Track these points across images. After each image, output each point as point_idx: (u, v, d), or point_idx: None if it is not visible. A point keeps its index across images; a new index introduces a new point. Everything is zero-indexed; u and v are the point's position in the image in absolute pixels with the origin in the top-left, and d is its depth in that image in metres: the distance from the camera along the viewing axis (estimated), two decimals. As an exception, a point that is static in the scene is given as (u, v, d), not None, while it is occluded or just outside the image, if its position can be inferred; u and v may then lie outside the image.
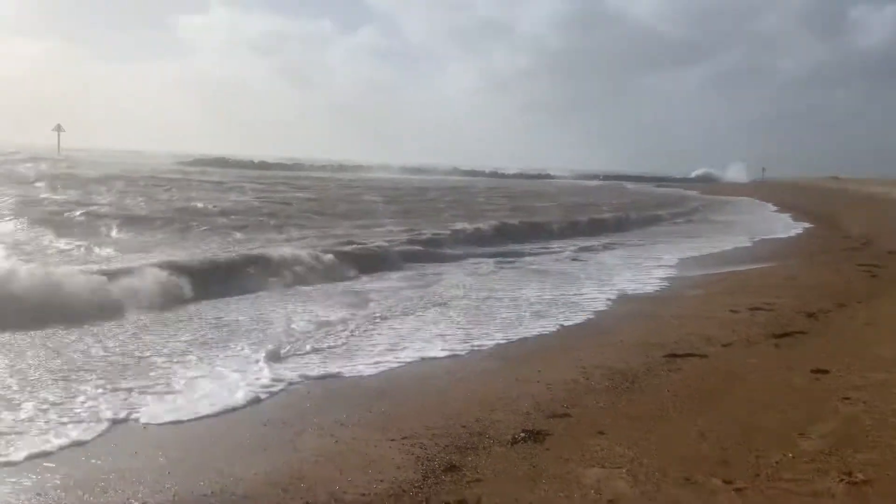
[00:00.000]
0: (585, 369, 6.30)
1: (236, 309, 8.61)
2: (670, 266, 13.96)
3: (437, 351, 7.02)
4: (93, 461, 4.21)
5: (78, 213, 16.14)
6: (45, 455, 4.22)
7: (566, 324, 8.41)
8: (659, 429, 4.69)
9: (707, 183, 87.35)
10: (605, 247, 17.43)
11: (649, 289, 11.16)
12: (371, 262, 12.33)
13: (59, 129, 56.30)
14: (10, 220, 14.95)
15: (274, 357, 6.43)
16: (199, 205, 19.84)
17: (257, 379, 5.82)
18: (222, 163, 60.12)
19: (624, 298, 10.27)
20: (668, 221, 27.52)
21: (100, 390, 5.33)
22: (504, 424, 4.88)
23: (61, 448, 4.32)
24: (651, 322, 8.60)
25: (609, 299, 10.10)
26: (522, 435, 4.62)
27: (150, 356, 6.37)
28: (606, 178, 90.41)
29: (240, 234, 15.40)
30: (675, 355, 6.75)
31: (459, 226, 18.12)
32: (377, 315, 8.50)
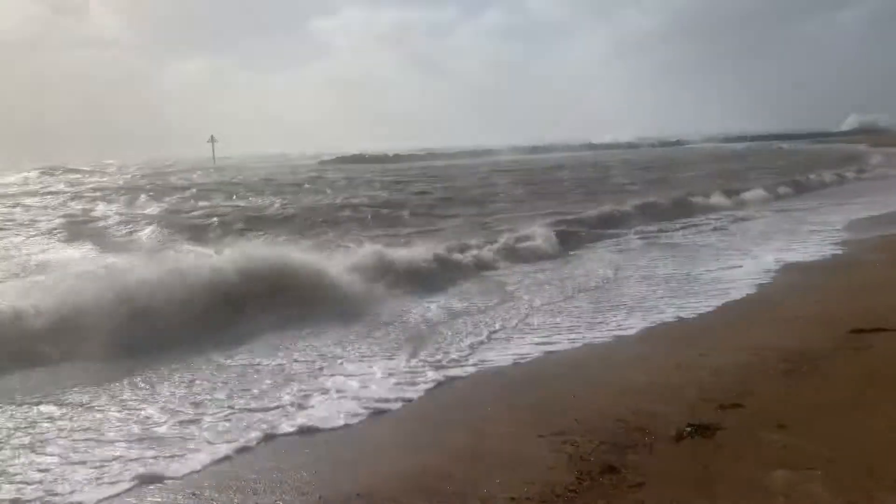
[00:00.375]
0: (756, 351, 5.62)
1: (372, 307, 8.40)
2: (841, 230, 12.50)
3: (586, 336, 6.56)
4: (243, 468, 4.20)
5: (214, 218, 16.75)
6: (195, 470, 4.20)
7: (728, 300, 7.63)
8: (856, 421, 4.01)
9: (871, 134, 78.02)
10: (763, 214, 15.99)
11: (820, 256, 9.98)
12: (512, 249, 11.84)
13: (212, 140, 60.87)
14: (153, 227, 15.77)
15: (417, 353, 6.25)
16: (334, 201, 20.33)
17: (402, 376, 5.65)
18: (360, 159, 62.18)
19: (790, 268, 9.25)
20: (842, 181, 24.84)
21: (243, 401, 5.35)
22: (666, 417, 4.38)
23: (212, 461, 4.32)
24: (825, 293, 7.63)
25: (773, 270, 9.12)
26: (689, 430, 4.11)
27: (291, 363, 6.29)
28: (754, 138, 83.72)
29: (358, 229, 15.35)
30: (861, 330, 5.88)
31: (599, 206, 17.20)
32: (521, 303, 8.14)
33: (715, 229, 13.92)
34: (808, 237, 11.86)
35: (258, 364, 6.11)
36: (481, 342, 6.52)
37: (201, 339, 6.80)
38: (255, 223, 16.14)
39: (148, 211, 18.64)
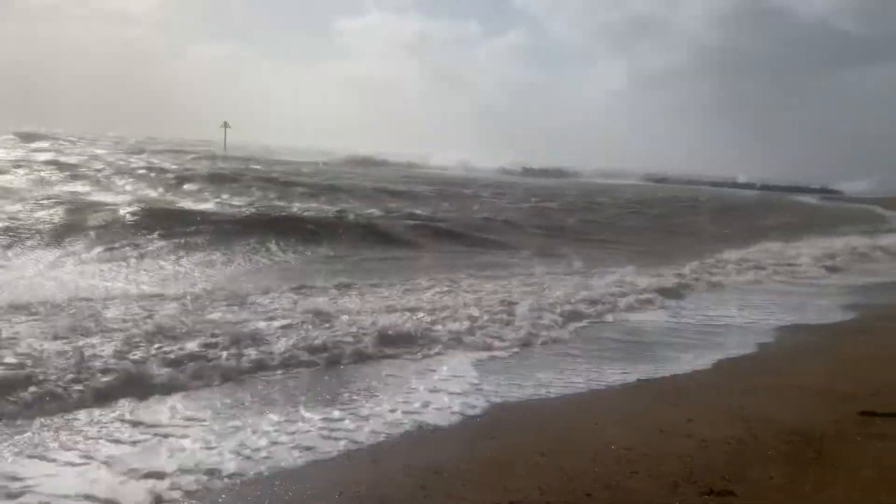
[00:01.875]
0: (751, 424, 4.96)
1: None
2: (854, 292, 11.81)
3: (563, 383, 5.91)
4: None
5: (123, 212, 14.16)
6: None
7: (723, 357, 6.97)
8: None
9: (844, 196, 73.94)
10: (769, 268, 15.30)
11: (830, 318, 9.29)
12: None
13: (225, 126, 60.05)
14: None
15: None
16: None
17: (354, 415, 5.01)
18: (368, 162, 61.54)
19: (796, 328, 8.59)
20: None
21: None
22: (643, 499, 3.73)
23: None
24: (834, 362, 6.97)
25: (777, 328, 8.47)
26: (668, 521, 3.46)
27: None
28: (765, 188, 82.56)
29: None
30: (873, 413, 5.22)
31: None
32: (489, 342, 7.38)
33: (716, 279, 13.19)
34: (820, 297, 11.17)
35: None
36: (443, 381, 5.87)
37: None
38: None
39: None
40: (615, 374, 6.24)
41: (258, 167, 34.95)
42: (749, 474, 4.09)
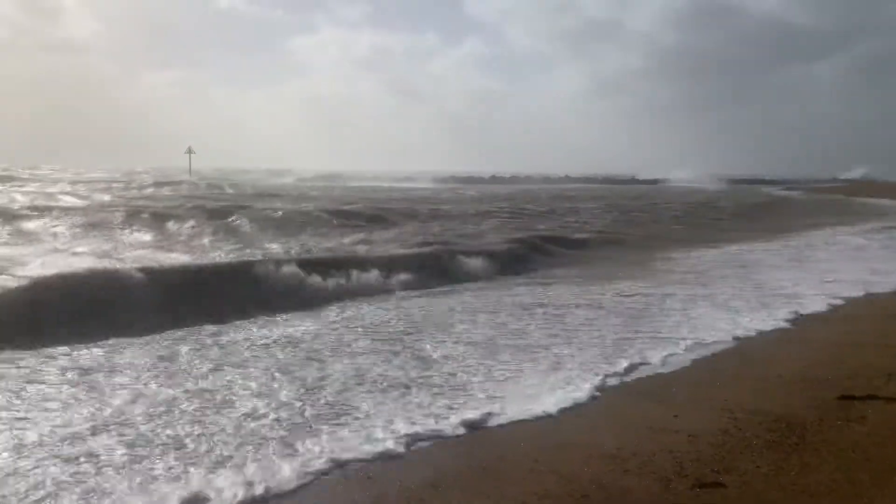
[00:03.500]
0: (735, 415, 5.10)
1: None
2: (823, 279, 12.12)
3: (550, 387, 6.00)
4: None
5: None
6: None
7: (704, 353, 7.12)
8: (857, 515, 3.48)
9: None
10: (742, 260, 15.65)
11: (808, 309, 9.50)
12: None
13: (189, 151, 59.62)
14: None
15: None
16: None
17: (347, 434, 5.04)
18: (333, 178, 61.77)
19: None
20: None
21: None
22: (637, 496, 3.83)
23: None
24: (810, 350, 7.16)
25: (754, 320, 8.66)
26: (664, 515, 3.55)
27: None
28: (734, 181, 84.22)
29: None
30: (851, 397, 5.41)
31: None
32: (474, 349, 7.52)
33: (684, 272, 13.48)
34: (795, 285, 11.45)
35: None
36: (433, 390, 5.91)
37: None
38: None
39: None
40: (593, 375, 6.32)
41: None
42: (737, 464, 4.21)
